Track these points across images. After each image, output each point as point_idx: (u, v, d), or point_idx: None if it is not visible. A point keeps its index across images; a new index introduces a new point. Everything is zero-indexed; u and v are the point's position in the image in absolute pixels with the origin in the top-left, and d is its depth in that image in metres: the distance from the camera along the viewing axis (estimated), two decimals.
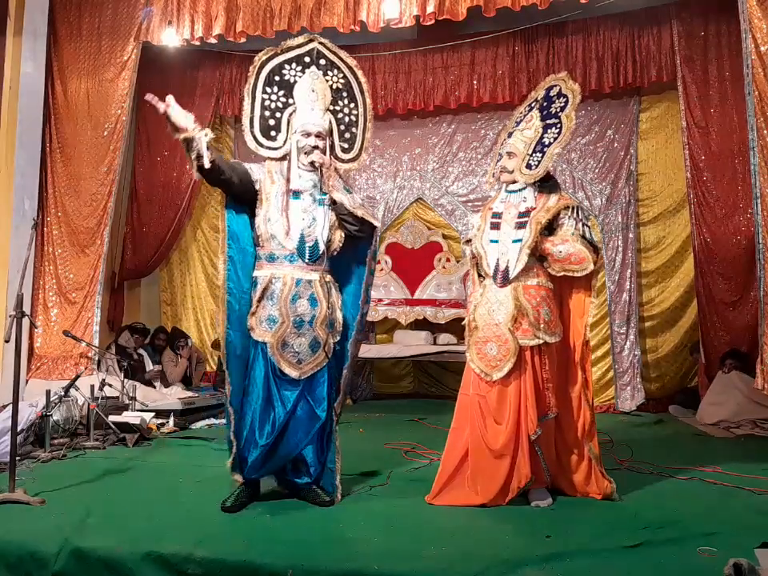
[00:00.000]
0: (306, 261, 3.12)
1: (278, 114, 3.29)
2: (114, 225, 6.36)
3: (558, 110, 3.33)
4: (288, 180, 3.17)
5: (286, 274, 3.10)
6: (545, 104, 3.40)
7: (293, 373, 3.05)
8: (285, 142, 3.27)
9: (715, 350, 5.70)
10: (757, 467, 3.74)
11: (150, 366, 6.33)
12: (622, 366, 6.23)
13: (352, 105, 3.42)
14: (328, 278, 3.21)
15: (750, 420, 5.10)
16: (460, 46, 6.49)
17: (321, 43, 3.37)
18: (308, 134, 3.20)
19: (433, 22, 5.14)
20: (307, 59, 3.34)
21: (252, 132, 3.26)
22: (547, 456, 3.14)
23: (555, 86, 3.40)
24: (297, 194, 3.16)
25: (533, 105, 3.47)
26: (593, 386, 3.57)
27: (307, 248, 3.12)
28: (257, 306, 3.07)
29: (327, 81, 3.35)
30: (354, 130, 3.42)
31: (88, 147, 5.92)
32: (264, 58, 3.29)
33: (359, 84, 3.43)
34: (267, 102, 3.28)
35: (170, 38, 5.67)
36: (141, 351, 6.38)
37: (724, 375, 5.43)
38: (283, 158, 3.26)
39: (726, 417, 5.19)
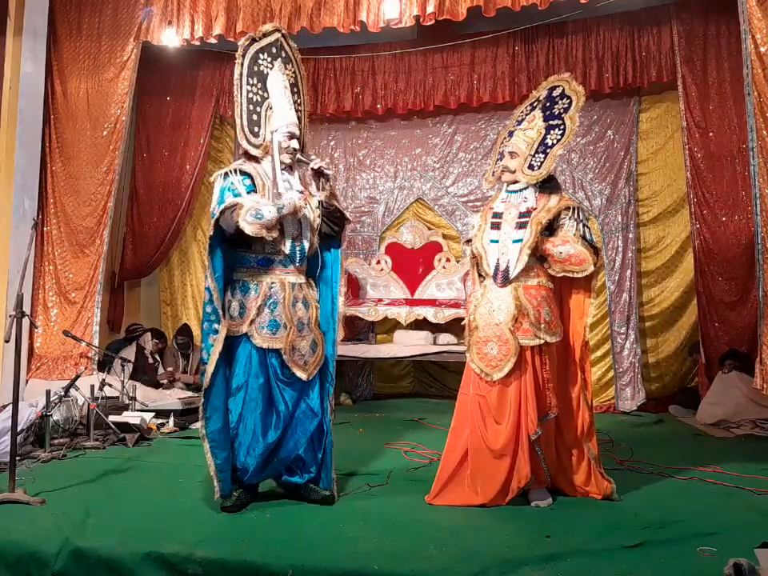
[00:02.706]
0: (297, 264, 3.13)
1: (258, 109, 3.19)
2: (114, 225, 6.36)
3: (562, 111, 3.33)
4: (275, 182, 3.09)
5: (282, 279, 3.09)
6: (547, 104, 3.40)
7: (303, 375, 3.06)
8: (263, 139, 3.17)
9: (715, 350, 5.70)
10: (757, 467, 3.74)
11: (161, 370, 6.45)
12: (622, 366, 6.23)
13: (299, 101, 3.36)
14: (308, 278, 3.23)
15: (750, 420, 5.10)
16: (460, 46, 6.49)
17: (283, 35, 3.30)
18: (292, 136, 3.16)
19: (433, 22, 5.13)
20: (274, 50, 3.26)
21: (243, 128, 3.13)
22: (547, 456, 3.14)
23: (558, 86, 3.40)
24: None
25: (535, 104, 3.47)
26: (592, 386, 3.57)
27: (297, 251, 3.12)
28: (257, 314, 3.03)
29: (287, 75, 3.29)
30: (300, 127, 3.32)
31: (88, 147, 5.92)
32: (246, 43, 3.17)
33: (303, 81, 3.39)
34: (251, 95, 3.17)
35: (170, 37, 5.67)
36: (156, 356, 6.48)
37: (724, 375, 5.43)
38: (257, 157, 3.16)
39: (726, 417, 5.19)
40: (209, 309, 3.02)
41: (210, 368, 2.96)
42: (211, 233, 2.97)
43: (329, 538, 2.68)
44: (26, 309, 4.00)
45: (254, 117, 3.17)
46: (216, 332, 2.98)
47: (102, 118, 5.91)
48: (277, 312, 3.03)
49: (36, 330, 5.74)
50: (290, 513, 2.98)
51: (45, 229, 5.87)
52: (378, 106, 6.79)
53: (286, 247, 3.09)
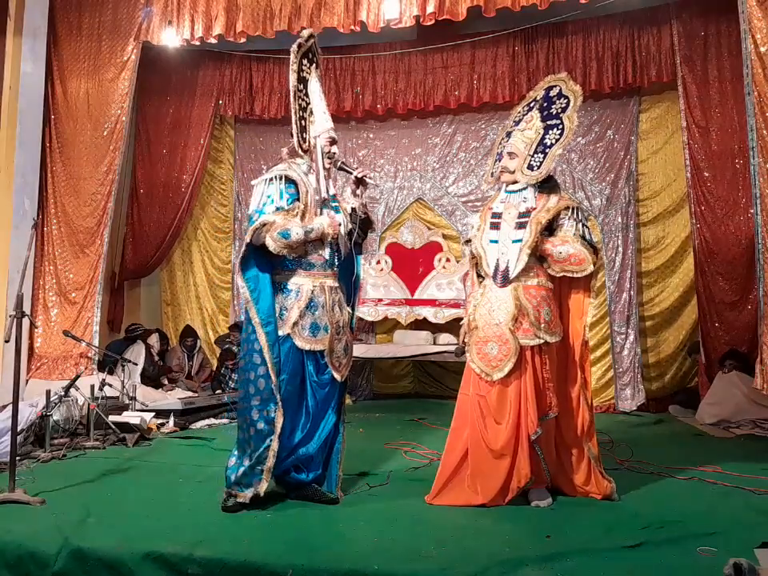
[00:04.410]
0: (334, 268, 3.19)
1: (304, 114, 3.20)
2: (114, 225, 6.37)
3: (560, 111, 3.33)
4: (319, 188, 3.14)
5: (323, 283, 3.13)
6: (545, 104, 3.40)
7: (338, 376, 3.13)
8: (308, 144, 3.18)
9: (715, 350, 5.70)
10: (757, 467, 3.74)
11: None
12: (622, 366, 6.23)
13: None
14: (339, 283, 3.27)
15: (750, 420, 5.10)
16: (460, 46, 6.49)
17: (315, 40, 3.32)
18: (333, 141, 3.18)
19: (433, 22, 5.15)
20: (310, 55, 3.29)
21: (298, 135, 3.12)
22: (547, 456, 3.14)
23: (555, 86, 3.40)
24: (325, 200, 3.18)
25: (532, 105, 3.47)
26: (592, 385, 3.57)
27: (336, 255, 3.18)
28: (300, 316, 3.04)
29: (319, 80, 3.33)
30: None
31: (88, 147, 5.93)
32: (296, 49, 3.12)
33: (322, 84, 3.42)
34: (300, 101, 3.17)
35: (170, 38, 5.68)
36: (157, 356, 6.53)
37: (724, 375, 5.43)
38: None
39: (726, 417, 5.19)
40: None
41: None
42: (248, 240, 2.98)
43: (329, 537, 2.68)
44: (26, 309, 4.00)
45: (302, 122, 3.18)
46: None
47: (102, 118, 5.92)
48: (317, 315, 3.07)
49: (36, 330, 5.74)
50: (290, 513, 2.98)
51: (45, 229, 5.88)
52: (378, 106, 6.80)
53: (327, 251, 3.13)
